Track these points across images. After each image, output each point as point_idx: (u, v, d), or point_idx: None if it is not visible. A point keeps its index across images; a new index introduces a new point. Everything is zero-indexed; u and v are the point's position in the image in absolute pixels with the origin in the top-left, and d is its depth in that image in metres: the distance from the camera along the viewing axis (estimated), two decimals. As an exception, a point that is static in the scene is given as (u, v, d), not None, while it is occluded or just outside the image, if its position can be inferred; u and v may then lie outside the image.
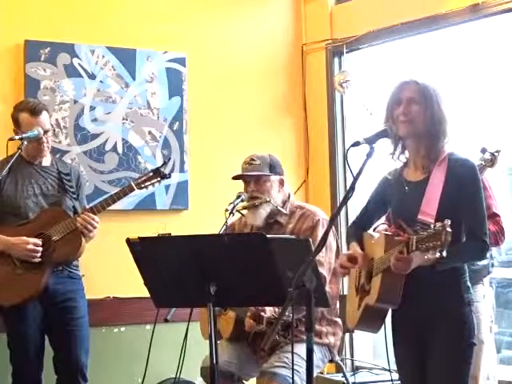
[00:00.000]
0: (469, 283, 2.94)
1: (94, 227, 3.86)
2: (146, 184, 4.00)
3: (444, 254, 2.62)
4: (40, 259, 3.82)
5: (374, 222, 3.24)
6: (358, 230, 3.19)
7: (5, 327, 3.93)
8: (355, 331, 4.49)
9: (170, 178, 4.16)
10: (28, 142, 3.87)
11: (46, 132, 3.95)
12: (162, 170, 4.02)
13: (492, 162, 3.68)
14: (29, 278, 3.81)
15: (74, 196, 4.03)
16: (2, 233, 3.85)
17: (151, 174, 4.02)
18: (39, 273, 3.82)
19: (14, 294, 3.80)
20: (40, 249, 3.81)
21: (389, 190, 3.09)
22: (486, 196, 3.60)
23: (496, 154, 3.67)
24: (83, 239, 3.89)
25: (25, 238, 3.81)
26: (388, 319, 3.04)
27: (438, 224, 2.62)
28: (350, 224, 3.34)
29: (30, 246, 3.80)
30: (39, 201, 3.94)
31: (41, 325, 3.90)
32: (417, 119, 2.92)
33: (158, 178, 4.01)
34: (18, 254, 3.81)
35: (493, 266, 3.88)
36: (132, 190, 3.97)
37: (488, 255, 3.76)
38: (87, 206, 3.98)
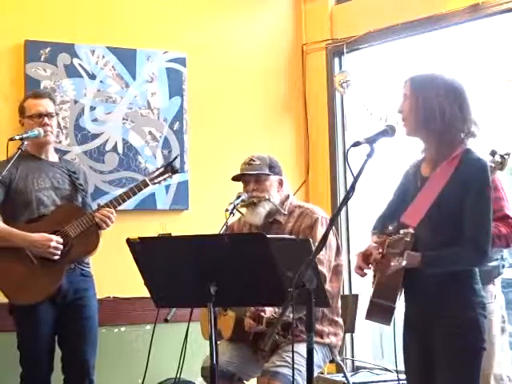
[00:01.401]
0: (478, 286, 2.82)
1: (112, 222, 3.88)
2: (159, 179, 4.04)
3: (403, 263, 2.61)
4: (58, 257, 3.80)
5: (397, 214, 3.07)
6: (385, 222, 3.05)
7: (17, 328, 3.88)
8: (355, 331, 4.52)
9: (181, 172, 4.15)
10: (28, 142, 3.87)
11: (48, 115, 3.92)
12: (174, 165, 4.05)
13: (502, 164, 3.65)
14: (46, 277, 3.78)
15: (84, 193, 4.03)
16: (17, 229, 3.80)
17: (163, 169, 4.05)
18: (56, 271, 3.79)
19: (30, 294, 3.77)
20: (61, 247, 3.79)
21: (408, 184, 3.00)
22: (498, 197, 3.57)
23: (506, 156, 3.65)
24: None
25: (47, 235, 3.77)
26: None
27: (402, 231, 2.61)
28: (377, 217, 3.18)
29: (53, 244, 3.76)
30: (50, 194, 3.92)
31: (53, 326, 3.87)
32: (408, 115, 2.86)
33: (170, 173, 4.05)
34: (39, 251, 3.77)
35: (504, 267, 3.85)
36: (146, 185, 3.99)
37: (499, 256, 3.75)
38: (101, 203, 3.95)
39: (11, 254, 3.79)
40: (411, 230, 2.61)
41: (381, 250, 2.79)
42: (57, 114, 4.10)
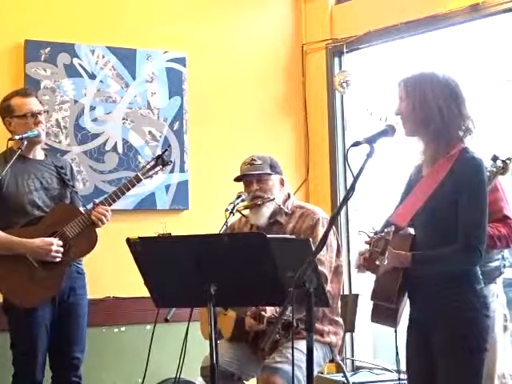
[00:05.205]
0: (479, 286, 2.79)
1: (108, 219, 3.90)
2: (151, 173, 4.06)
3: (385, 262, 2.61)
4: (60, 259, 3.81)
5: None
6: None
7: (11, 327, 3.87)
8: (355, 331, 4.52)
9: (171, 164, 4.15)
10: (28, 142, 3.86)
11: (39, 113, 3.92)
12: (164, 157, 4.07)
13: (504, 169, 3.65)
14: (48, 279, 3.79)
15: (75, 189, 4.03)
16: (15, 235, 3.80)
17: (153, 162, 4.08)
18: (57, 273, 3.81)
19: (35, 297, 3.77)
20: (62, 249, 3.80)
21: (411, 186, 2.98)
22: (498, 198, 3.58)
23: (508, 161, 3.64)
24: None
25: (47, 239, 3.79)
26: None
27: (386, 230, 2.61)
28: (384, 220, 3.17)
29: (54, 247, 3.77)
30: (41, 195, 3.91)
31: (49, 326, 3.86)
32: (407, 116, 2.85)
33: (161, 166, 4.08)
34: (41, 256, 3.77)
35: (505, 266, 3.85)
36: (139, 180, 4.00)
37: (500, 256, 3.75)
38: (97, 201, 3.96)
39: (12, 260, 3.78)
40: (392, 229, 2.60)
41: (368, 249, 2.79)
42: (46, 112, 4.11)
